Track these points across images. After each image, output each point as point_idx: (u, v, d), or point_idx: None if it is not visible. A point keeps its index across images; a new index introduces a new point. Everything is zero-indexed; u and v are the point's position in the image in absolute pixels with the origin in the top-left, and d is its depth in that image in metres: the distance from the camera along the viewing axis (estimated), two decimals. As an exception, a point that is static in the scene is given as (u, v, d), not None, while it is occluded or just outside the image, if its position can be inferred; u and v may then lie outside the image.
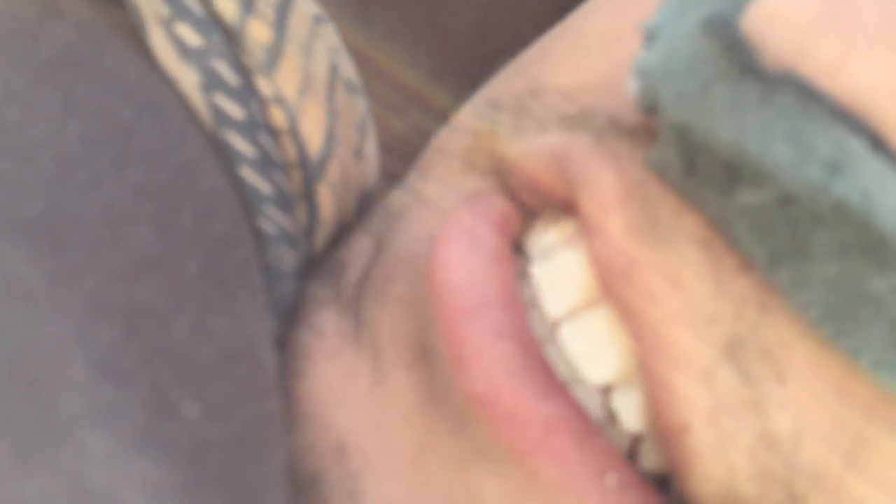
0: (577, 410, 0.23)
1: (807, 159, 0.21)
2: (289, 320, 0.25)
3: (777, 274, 0.22)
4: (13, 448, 0.17)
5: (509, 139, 0.26)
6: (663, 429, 0.23)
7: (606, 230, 0.23)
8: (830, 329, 0.22)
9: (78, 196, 0.20)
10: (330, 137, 0.25)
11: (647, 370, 0.23)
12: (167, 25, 0.23)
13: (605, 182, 0.23)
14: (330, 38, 0.26)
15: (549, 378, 0.23)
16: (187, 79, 0.23)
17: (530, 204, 0.25)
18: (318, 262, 0.26)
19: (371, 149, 0.27)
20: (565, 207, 0.24)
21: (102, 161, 0.21)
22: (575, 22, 0.28)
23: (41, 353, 0.18)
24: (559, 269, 0.24)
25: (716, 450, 0.22)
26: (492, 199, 0.25)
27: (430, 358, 0.24)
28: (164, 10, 0.23)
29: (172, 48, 0.23)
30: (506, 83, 0.27)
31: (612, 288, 0.23)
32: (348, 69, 0.26)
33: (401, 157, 0.30)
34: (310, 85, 0.25)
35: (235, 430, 0.20)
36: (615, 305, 0.23)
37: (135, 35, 0.23)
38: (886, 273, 0.21)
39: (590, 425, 0.23)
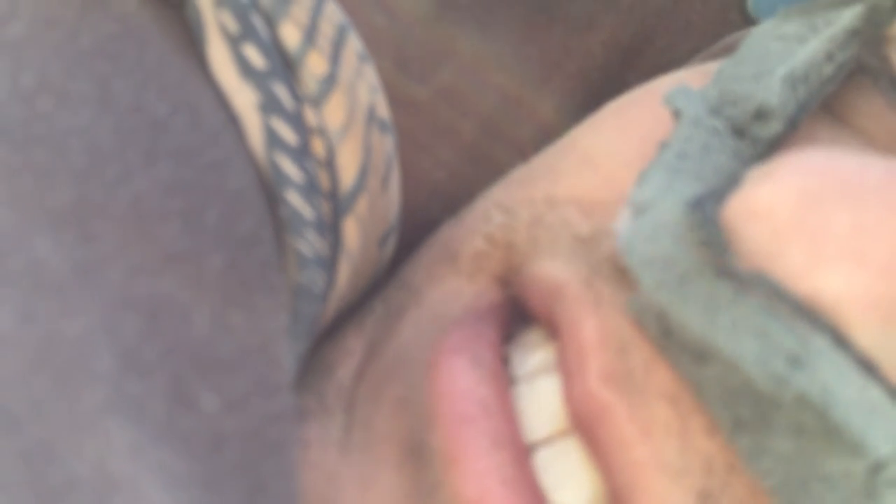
0: None
1: (771, 354, 0.22)
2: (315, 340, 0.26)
3: (738, 440, 0.23)
4: (39, 436, 0.18)
5: (522, 251, 0.27)
6: None
7: (582, 375, 0.24)
8: (783, 500, 0.23)
9: (108, 188, 0.21)
10: (363, 173, 0.26)
11: None
12: (235, 42, 0.23)
13: (585, 328, 0.25)
14: (371, 77, 0.26)
15: (536, 493, 0.25)
16: (245, 97, 0.24)
17: (528, 317, 0.27)
18: (304, 364, 0.27)
19: (395, 184, 0.27)
20: (555, 336, 0.26)
21: (133, 155, 0.21)
22: (583, 138, 0.29)
23: (68, 342, 0.19)
24: (539, 395, 0.26)
25: None
26: (490, 320, 0.27)
27: (420, 455, 0.25)
28: (234, 27, 0.24)
29: (234, 65, 0.24)
30: (519, 190, 0.28)
31: (583, 428, 0.24)
32: (383, 108, 0.27)
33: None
34: (352, 121, 0.25)
35: (251, 423, 0.20)
36: (586, 444, 0.24)
37: (185, 36, 0.24)
38: (840, 457, 0.22)
39: None
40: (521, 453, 0.25)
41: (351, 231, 0.26)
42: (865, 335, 0.22)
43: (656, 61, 0.34)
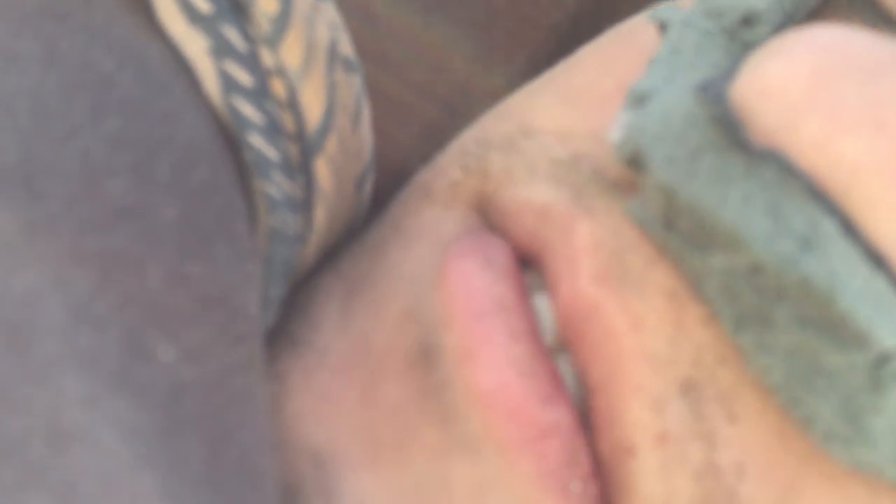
0: (575, 421, 0.24)
1: (781, 233, 0.22)
2: (293, 284, 0.26)
3: (740, 336, 0.23)
4: None
5: (498, 178, 0.26)
6: (609, 451, 0.23)
7: (573, 277, 0.24)
8: (786, 397, 0.23)
9: (55, 146, 0.20)
10: (329, 111, 0.25)
11: (598, 396, 0.24)
12: None
13: (577, 235, 0.24)
14: (330, 14, 0.26)
15: (558, 386, 0.24)
16: (196, 44, 0.23)
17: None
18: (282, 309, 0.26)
19: (366, 124, 0.27)
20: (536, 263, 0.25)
21: (80, 112, 0.21)
22: (562, 74, 0.29)
23: (18, 299, 0.19)
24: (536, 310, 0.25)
25: (660, 473, 0.23)
26: (491, 233, 0.26)
27: (430, 358, 0.24)
28: None
29: (181, 13, 0.23)
30: (495, 125, 0.28)
31: (572, 327, 0.24)
32: (346, 46, 0.26)
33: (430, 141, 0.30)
34: (312, 59, 0.25)
35: (212, 373, 0.20)
36: (573, 343, 0.24)
37: None
38: (843, 350, 0.22)
39: (581, 438, 0.24)
40: (539, 346, 0.24)
41: (323, 172, 0.25)
42: (889, 203, 0.22)
43: (630, 8, 0.34)
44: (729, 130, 0.22)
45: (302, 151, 0.25)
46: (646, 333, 0.23)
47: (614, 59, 0.28)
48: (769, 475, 0.23)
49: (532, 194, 0.25)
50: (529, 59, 0.33)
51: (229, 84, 0.23)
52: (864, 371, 0.22)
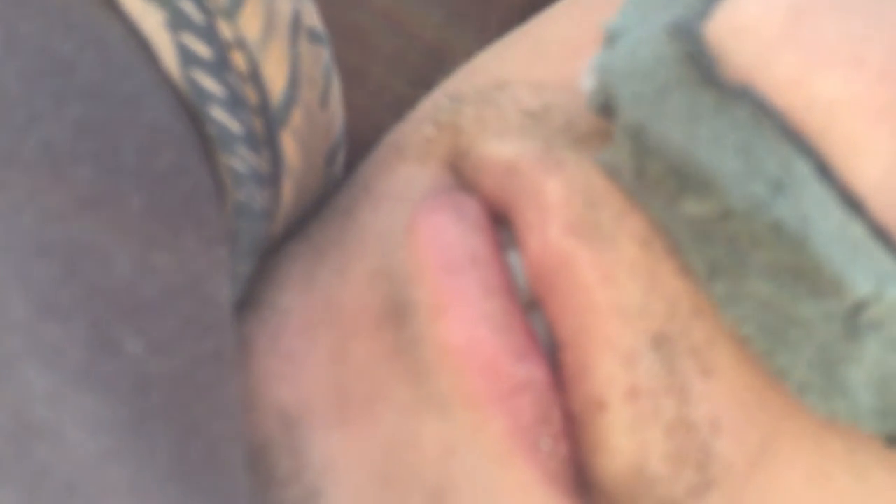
0: (549, 378, 0.23)
1: (752, 174, 0.21)
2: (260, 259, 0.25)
3: (714, 286, 0.22)
4: None
5: (471, 132, 0.26)
6: (580, 407, 0.23)
7: (544, 230, 0.23)
8: (761, 347, 0.22)
9: (16, 135, 0.20)
10: (293, 83, 0.25)
11: (568, 351, 0.23)
12: None
13: (547, 187, 0.24)
14: None
15: (532, 341, 0.23)
16: (152, 18, 0.23)
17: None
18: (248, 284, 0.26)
19: (336, 99, 0.27)
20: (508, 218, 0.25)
21: (42, 98, 0.20)
22: (535, 27, 0.28)
23: None
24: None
25: (630, 428, 0.23)
26: (464, 192, 0.25)
27: (400, 315, 0.24)
28: None
29: None
30: (468, 79, 0.28)
31: (543, 281, 0.23)
32: (311, 17, 0.26)
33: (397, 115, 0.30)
34: (272, 30, 0.24)
35: (180, 364, 0.20)
36: (544, 297, 0.23)
37: None
38: (817, 299, 0.21)
39: (553, 395, 0.23)
40: (514, 301, 0.24)
41: (289, 145, 0.25)
42: (870, 142, 0.21)
43: None
44: (700, 67, 0.22)
45: (266, 124, 0.24)
46: (617, 286, 0.23)
47: (588, 10, 0.27)
48: (745, 430, 0.23)
49: (502, 148, 0.25)
50: (502, 23, 0.33)
51: (188, 57, 0.23)
52: (839, 320, 0.21)
